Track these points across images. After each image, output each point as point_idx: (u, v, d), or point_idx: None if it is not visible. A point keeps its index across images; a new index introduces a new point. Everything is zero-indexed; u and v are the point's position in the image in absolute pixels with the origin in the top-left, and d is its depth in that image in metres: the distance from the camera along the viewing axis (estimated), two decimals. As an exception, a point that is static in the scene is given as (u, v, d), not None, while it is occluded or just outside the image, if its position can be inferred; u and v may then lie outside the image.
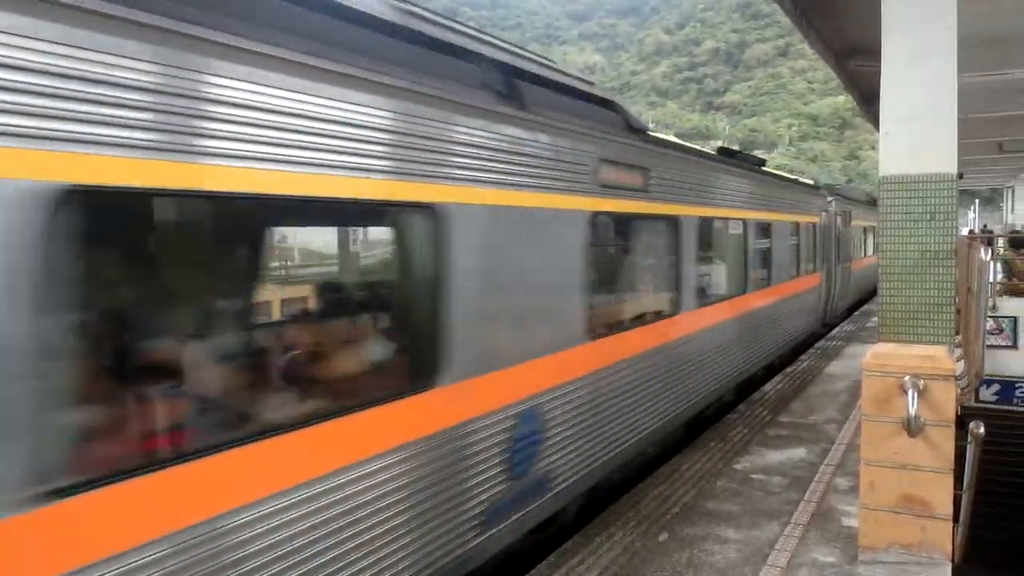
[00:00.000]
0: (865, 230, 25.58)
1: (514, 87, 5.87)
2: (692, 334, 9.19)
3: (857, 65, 12.19)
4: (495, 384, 5.22)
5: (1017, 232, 21.87)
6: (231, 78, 3.40)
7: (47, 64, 2.77)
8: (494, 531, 5.30)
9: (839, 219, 20.00)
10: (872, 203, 27.53)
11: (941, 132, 5.92)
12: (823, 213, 17.59)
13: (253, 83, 3.50)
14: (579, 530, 6.72)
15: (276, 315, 5.59)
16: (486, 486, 5.18)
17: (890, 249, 6.06)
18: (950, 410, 5.38)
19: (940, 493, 5.42)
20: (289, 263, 6.61)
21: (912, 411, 5.20)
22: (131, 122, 3.04)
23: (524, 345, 5.71)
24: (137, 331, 3.75)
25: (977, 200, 60.67)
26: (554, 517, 6.51)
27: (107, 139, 2.96)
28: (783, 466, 8.35)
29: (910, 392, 5.27)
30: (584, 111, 6.95)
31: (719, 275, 11.00)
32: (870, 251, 27.11)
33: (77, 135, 2.86)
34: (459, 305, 4.87)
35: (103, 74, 2.93)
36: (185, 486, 3.25)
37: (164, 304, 3.98)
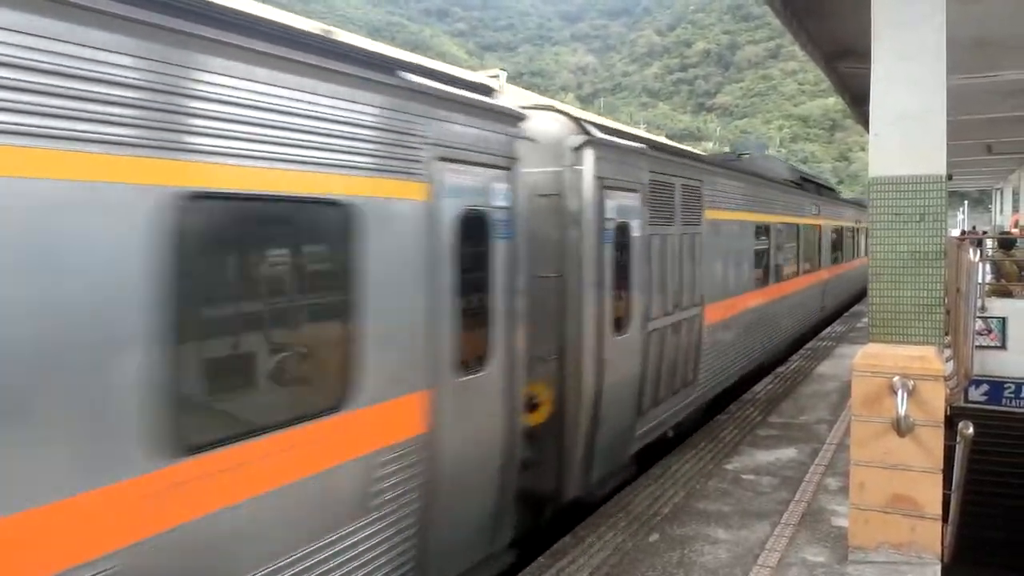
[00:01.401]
0: (763, 232, 13.29)
1: None
2: None
3: (847, 67, 12.24)
4: None
5: (1006, 233, 21.97)
6: None
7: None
8: None
9: (616, 204, 7.60)
10: (784, 183, 16.02)
11: (931, 133, 5.95)
12: (487, 179, 5.63)
13: None
14: (569, 531, 6.71)
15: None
16: None
17: (880, 250, 6.08)
18: (939, 410, 5.40)
19: (930, 493, 5.44)
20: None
21: (902, 411, 5.22)
22: None
23: None
24: None
25: (966, 201, 61.05)
26: None
27: None
28: (773, 466, 8.36)
29: (900, 392, 5.29)
30: None
31: None
32: (782, 273, 14.75)
33: None
34: None
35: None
36: None
37: None
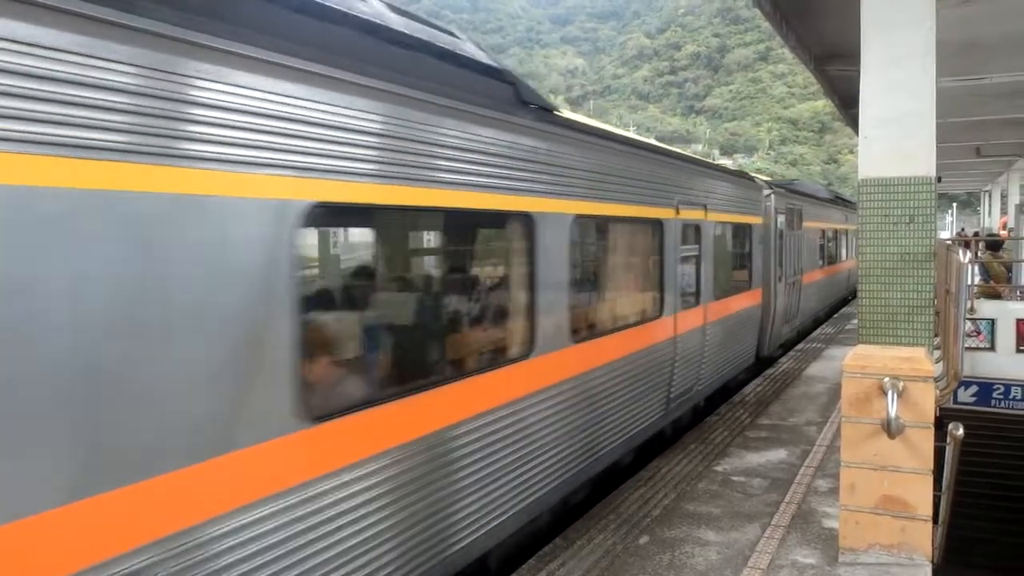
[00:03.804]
0: None
1: None
2: None
3: (837, 69, 12.29)
4: None
5: (993, 235, 22.06)
6: None
7: None
8: None
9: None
10: None
11: (920, 135, 5.97)
12: None
13: None
14: (559, 533, 6.70)
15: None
16: None
17: (870, 252, 6.10)
18: (929, 411, 5.40)
19: (920, 494, 5.45)
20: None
21: (892, 412, 5.22)
22: None
23: None
24: None
25: (955, 204, 61.40)
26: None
27: None
28: (763, 468, 8.36)
29: (890, 394, 5.29)
30: None
31: None
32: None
33: None
34: None
35: None
36: None
37: None
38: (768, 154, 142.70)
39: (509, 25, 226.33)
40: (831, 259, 22.49)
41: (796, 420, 10.43)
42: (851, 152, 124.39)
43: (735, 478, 8.04)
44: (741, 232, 12.57)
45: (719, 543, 6.37)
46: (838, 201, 26.03)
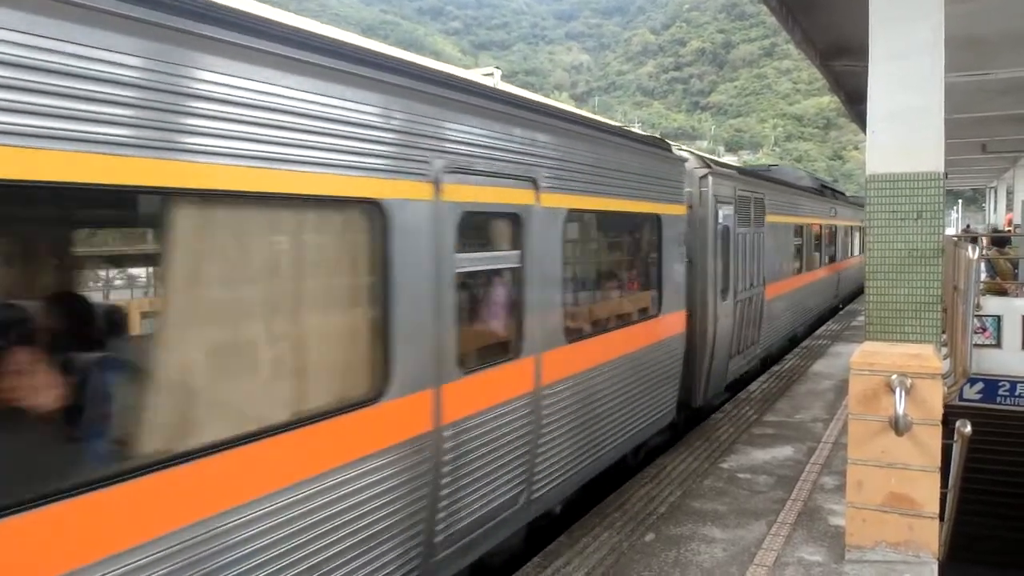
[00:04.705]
0: None
1: None
2: None
3: (842, 65, 12.23)
4: None
5: (999, 232, 21.99)
6: None
7: None
8: None
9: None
10: None
11: (927, 131, 5.94)
12: None
13: None
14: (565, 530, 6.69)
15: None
16: None
17: (877, 248, 6.06)
18: (937, 409, 5.38)
19: (927, 491, 5.42)
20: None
21: (900, 409, 5.20)
22: None
23: None
24: None
25: (960, 200, 61.23)
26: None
27: None
28: (769, 465, 8.35)
29: (897, 391, 5.27)
30: None
31: None
32: None
33: None
34: None
35: None
36: None
37: None
38: (773, 150, 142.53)
39: (514, 21, 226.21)
40: (814, 262, 18.46)
41: (802, 417, 10.41)
42: (856, 148, 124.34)
43: (741, 475, 8.03)
44: (638, 228, 8.38)
45: (725, 540, 6.36)
46: (824, 191, 21.24)
